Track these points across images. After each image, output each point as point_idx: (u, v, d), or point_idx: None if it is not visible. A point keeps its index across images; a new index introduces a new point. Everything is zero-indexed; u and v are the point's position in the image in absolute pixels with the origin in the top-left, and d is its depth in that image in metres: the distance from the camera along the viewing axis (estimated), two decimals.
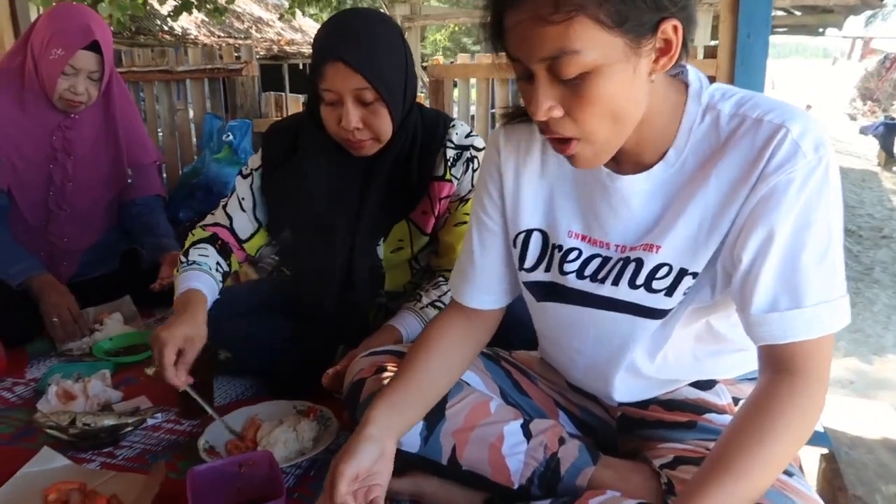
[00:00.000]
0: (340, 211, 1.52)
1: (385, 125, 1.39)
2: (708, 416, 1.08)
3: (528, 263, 1.08)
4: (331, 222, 1.52)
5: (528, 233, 1.08)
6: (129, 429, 1.43)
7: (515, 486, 1.09)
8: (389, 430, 1.02)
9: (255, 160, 1.61)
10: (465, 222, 1.55)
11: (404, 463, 1.17)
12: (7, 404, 1.63)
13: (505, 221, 1.11)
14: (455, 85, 2.70)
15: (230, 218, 1.59)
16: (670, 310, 0.99)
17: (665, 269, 0.97)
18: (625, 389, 1.11)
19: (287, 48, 11.00)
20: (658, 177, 0.96)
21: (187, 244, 1.55)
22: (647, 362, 1.06)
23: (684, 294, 0.97)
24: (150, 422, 1.51)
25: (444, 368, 1.11)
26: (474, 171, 1.53)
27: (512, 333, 1.53)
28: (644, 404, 1.14)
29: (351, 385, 1.21)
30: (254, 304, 1.73)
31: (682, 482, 0.99)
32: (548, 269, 1.07)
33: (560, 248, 1.05)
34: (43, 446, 1.36)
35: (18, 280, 1.92)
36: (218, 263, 1.52)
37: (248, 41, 10.05)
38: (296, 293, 1.67)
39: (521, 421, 1.14)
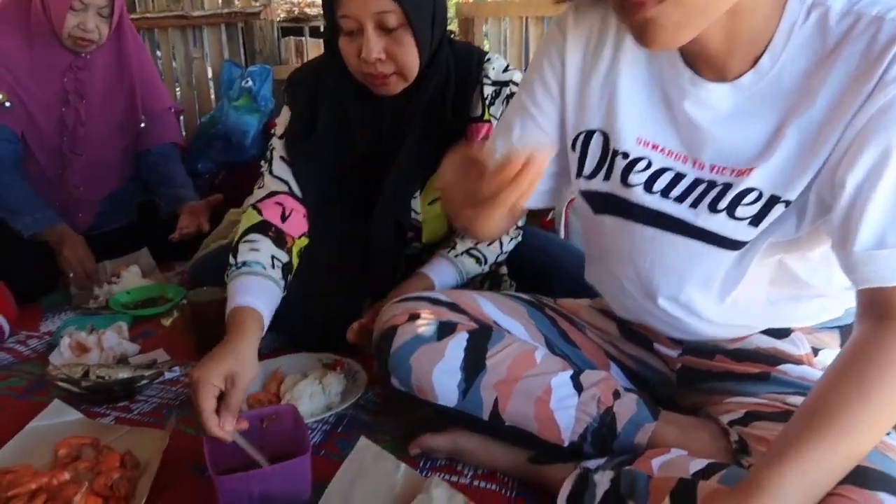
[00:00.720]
0: (370, 160, 1.40)
1: (411, 57, 1.25)
2: (783, 367, 0.96)
3: (588, 170, 0.95)
4: (357, 172, 1.40)
5: (589, 134, 0.95)
6: (145, 382, 1.35)
7: (566, 444, 0.98)
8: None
9: (283, 116, 1.47)
10: None
11: (441, 419, 1.07)
12: (20, 357, 1.56)
13: (561, 119, 0.98)
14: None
15: (285, 182, 1.37)
16: (747, 242, 0.86)
17: (754, 195, 0.83)
18: (684, 329, 0.99)
19: (308, 10, 10.75)
20: (749, 87, 0.82)
21: (237, 234, 1.28)
22: (714, 303, 0.93)
23: (770, 224, 0.84)
24: (167, 375, 1.43)
25: None
26: None
27: (553, 281, 1.42)
28: (709, 353, 1.01)
29: (382, 333, 1.10)
30: None
31: (758, 440, 0.87)
32: (607, 178, 0.94)
33: (626, 155, 0.92)
34: (55, 400, 1.27)
35: (32, 231, 1.86)
36: (273, 258, 1.25)
37: None
38: (320, 247, 1.56)
39: (570, 372, 1.02)
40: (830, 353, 0.97)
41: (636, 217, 0.92)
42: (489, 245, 1.45)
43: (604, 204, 0.96)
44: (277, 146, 1.41)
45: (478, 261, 1.44)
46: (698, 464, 0.86)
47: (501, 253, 1.47)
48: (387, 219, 1.40)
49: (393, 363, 1.06)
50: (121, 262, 2.00)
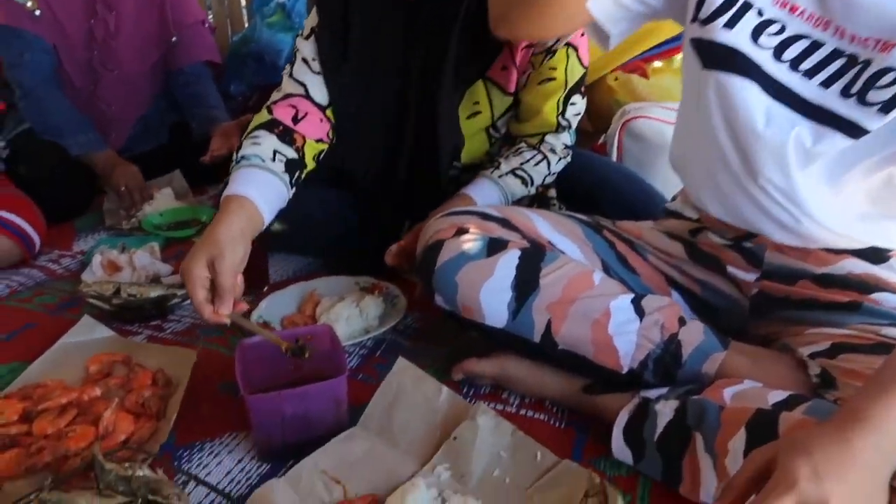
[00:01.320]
0: (403, 70, 1.29)
1: None
2: (877, 295, 0.86)
3: (706, 11, 0.82)
4: (393, 84, 1.30)
5: None
6: (177, 301, 1.30)
7: (624, 371, 0.90)
8: None
9: (312, 18, 1.36)
10: (552, 79, 1.30)
11: (487, 343, 0.99)
12: (53, 276, 1.53)
13: None
14: None
15: (303, 85, 1.27)
16: (870, 131, 0.75)
17: (891, 77, 0.71)
18: (777, 221, 0.88)
19: None
20: None
21: (243, 136, 1.21)
22: (818, 195, 0.83)
23: (870, 94, 0.73)
24: None
25: None
26: None
27: (604, 205, 1.32)
28: (791, 278, 0.91)
29: (426, 248, 1.01)
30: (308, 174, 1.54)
31: (848, 373, 0.77)
32: (730, 26, 0.81)
33: (760, 12, 0.80)
34: (85, 316, 1.24)
35: (82, 150, 1.85)
36: (276, 151, 1.15)
37: None
38: (356, 165, 1.47)
39: (631, 296, 0.93)
40: None
41: (755, 81, 0.81)
42: (536, 165, 1.34)
43: (718, 58, 0.83)
44: (302, 47, 1.29)
45: (524, 182, 1.33)
46: (778, 395, 0.77)
47: (549, 174, 1.37)
48: (449, 142, 1.31)
49: (438, 280, 0.98)
50: (153, 184, 1.95)
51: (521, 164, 1.34)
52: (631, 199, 1.37)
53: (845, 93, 0.75)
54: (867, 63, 0.74)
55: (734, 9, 0.81)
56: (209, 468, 0.90)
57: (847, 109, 0.75)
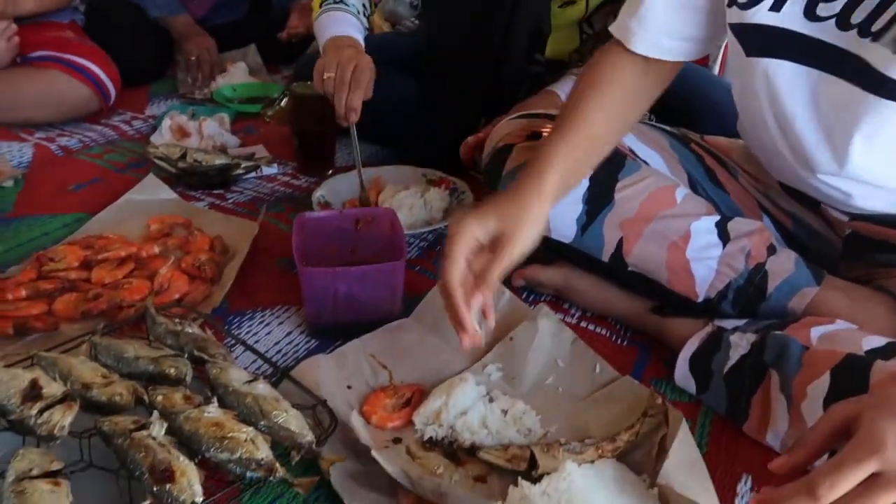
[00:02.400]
0: None
1: None
2: None
3: None
4: None
5: None
6: (241, 172, 1.29)
7: (699, 299, 0.83)
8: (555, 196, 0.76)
9: None
10: None
11: (552, 251, 0.93)
12: (124, 136, 1.53)
13: None
14: None
15: None
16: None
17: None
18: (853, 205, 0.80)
19: None
20: None
21: None
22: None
23: None
24: (265, 171, 1.35)
25: (615, 103, 0.81)
26: None
27: (699, 118, 1.21)
28: (889, 222, 0.81)
29: (495, 150, 0.95)
30: (386, 58, 1.46)
31: None
32: (776, 8, 0.71)
33: None
34: (149, 174, 1.23)
35: (160, 12, 1.83)
36: (364, 5, 1.24)
37: None
38: (437, 50, 1.39)
39: (716, 218, 0.85)
40: None
41: (816, 63, 0.71)
42: None
43: (765, 44, 0.73)
44: None
45: None
46: (875, 341, 0.70)
47: None
48: (528, 23, 1.21)
49: (503, 187, 0.92)
50: (228, 56, 1.91)
51: None
52: (728, 116, 1.25)
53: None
54: None
55: None
56: (258, 336, 0.89)
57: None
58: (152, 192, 1.20)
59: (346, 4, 1.21)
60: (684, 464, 0.62)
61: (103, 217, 1.13)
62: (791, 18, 0.71)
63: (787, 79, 0.74)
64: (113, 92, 1.56)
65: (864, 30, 0.67)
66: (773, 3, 0.71)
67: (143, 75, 1.84)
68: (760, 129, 0.83)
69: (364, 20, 1.24)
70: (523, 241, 0.71)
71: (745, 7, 0.73)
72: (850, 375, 0.66)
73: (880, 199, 0.79)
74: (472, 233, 0.69)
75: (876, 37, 0.66)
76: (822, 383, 0.67)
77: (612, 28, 0.84)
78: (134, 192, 1.19)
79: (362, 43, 1.18)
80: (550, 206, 0.76)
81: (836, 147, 0.74)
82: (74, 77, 1.48)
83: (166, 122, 1.42)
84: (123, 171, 1.34)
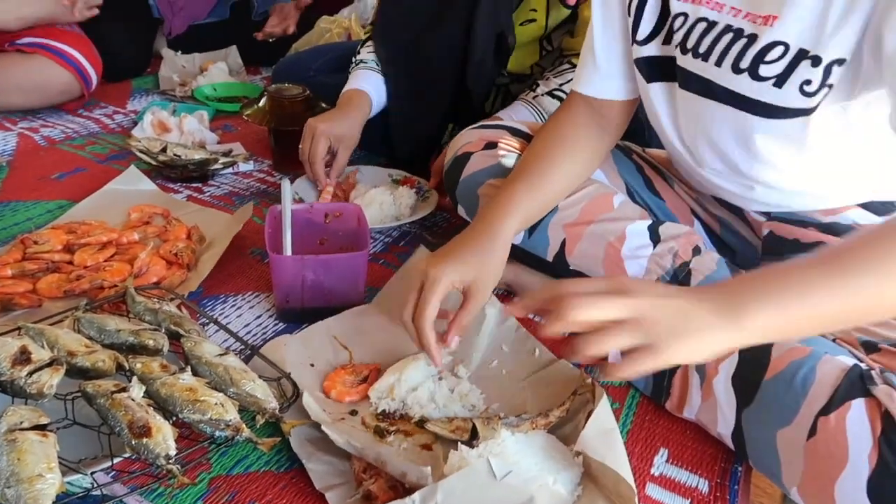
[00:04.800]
0: None
1: None
2: None
3: (642, 33, 0.85)
4: None
5: None
6: (219, 166, 1.35)
7: None
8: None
9: None
10: None
11: None
12: (106, 129, 1.59)
13: None
14: None
15: None
16: (798, 109, 0.74)
17: (779, 51, 0.71)
18: (758, 199, 0.90)
19: None
20: None
21: (359, 45, 1.41)
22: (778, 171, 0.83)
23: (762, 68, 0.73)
24: (241, 167, 1.43)
25: (576, 164, 0.93)
26: None
27: (645, 133, 1.31)
28: (801, 223, 0.91)
29: (454, 158, 1.03)
30: None
31: None
32: (667, 41, 0.83)
33: (684, 16, 0.80)
34: (131, 166, 1.30)
35: None
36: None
37: None
38: (408, 59, 1.47)
39: (648, 222, 0.94)
40: None
41: (682, 84, 0.82)
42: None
43: (652, 70, 0.86)
44: None
45: (561, 101, 1.33)
46: None
47: None
48: (489, 31, 1.29)
49: (461, 190, 1.01)
50: (209, 56, 1.98)
51: (560, 84, 1.33)
52: None
53: (736, 69, 0.74)
54: (753, 37, 0.73)
55: (666, 24, 0.82)
56: (230, 319, 0.96)
57: (742, 88, 0.75)
58: (133, 182, 1.27)
59: (366, 62, 1.34)
60: (601, 432, 0.70)
61: (86, 204, 1.19)
62: (671, 50, 0.83)
63: (662, 95, 0.87)
64: (94, 78, 1.62)
65: (695, 55, 0.79)
66: (663, 38, 0.84)
67: (126, 70, 1.90)
68: (671, 148, 0.94)
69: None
70: (490, 289, 0.83)
71: (641, 44, 0.86)
72: (754, 353, 0.74)
73: (772, 197, 0.88)
74: (450, 280, 0.78)
75: (706, 59, 0.78)
76: (731, 361, 0.76)
77: (572, 83, 0.96)
78: (116, 183, 1.25)
79: (371, 93, 1.30)
80: None
81: (718, 152, 0.85)
82: (58, 63, 1.54)
83: (148, 117, 1.49)
84: (105, 162, 1.41)
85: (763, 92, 0.74)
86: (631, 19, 0.86)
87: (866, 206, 0.87)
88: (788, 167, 0.82)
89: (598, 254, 0.93)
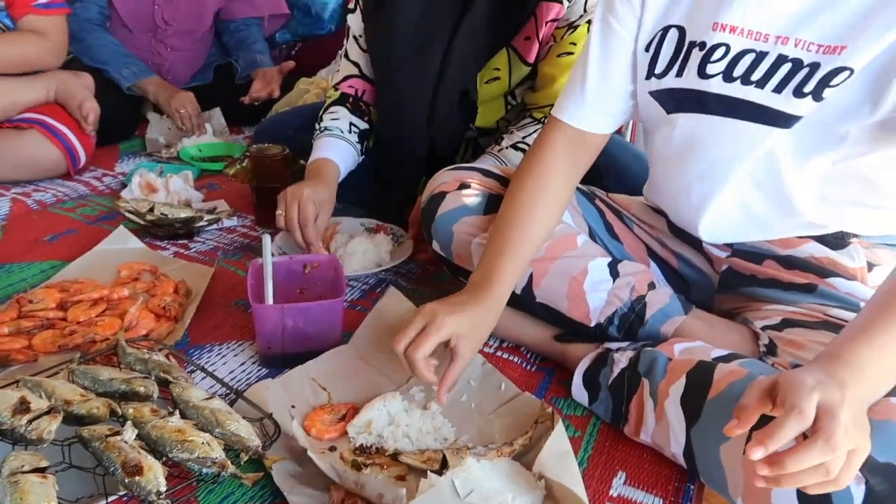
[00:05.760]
0: (434, 28, 1.36)
1: None
2: (833, 280, 0.93)
3: (660, 67, 0.92)
4: (422, 41, 1.38)
5: (665, 31, 0.91)
6: (204, 224, 1.42)
7: (592, 324, 0.99)
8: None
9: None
10: (571, 53, 1.37)
11: None
12: (95, 191, 1.67)
13: (638, 28, 0.94)
14: None
15: (356, 64, 1.45)
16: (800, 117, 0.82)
17: (844, 75, 0.79)
18: (735, 227, 0.97)
19: None
20: None
21: (322, 110, 1.45)
22: (768, 193, 0.91)
23: (825, 91, 0.80)
24: (225, 223, 1.50)
25: (552, 208, 1.00)
26: None
27: (610, 180, 1.40)
28: (759, 258, 0.99)
29: (429, 198, 1.11)
30: None
31: (788, 343, 0.86)
32: (680, 74, 0.91)
33: (702, 45, 0.87)
34: (120, 226, 1.37)
35: (130, 81, 1.98)
36: (351, 124, 1.41)
37: None
38: (381, 118, 1.56)
39: (608, 259, 1.02)
40: (884, 271, 0.93)
41: (714, 110, 0.89)
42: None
43: (678, 102, 0.92)
44: (351, 23, 1.42)
45: (525, 153, 1.42)
46: (720, 351, 0.86)
47: None
48: (454, 87, 1.38)
49: (436, 228, 1.09)
50: None
51: (524, 137, 1.42)
52: (636, 178, 1.44)
53: (798, 93, 0.82)
54: (816, 65, 0.80)
55: (682, 56, 0.90)
56: (215, 366, 1.02)
57: (802, 108, 0.82)
58: (122, 242, 1.33)
59: (331, 130, 1.39)
60: (557, 454, 0.77)
61: (77, 264, 1.25)
62: (688, 81, 0.90)
63: (707, 127, 0.91)
64: (83, 159, 1.70)
65: (745, 82, 0.86)
66: (677, 72, 0.91)
67: (115, 136, 1.99)
68: (673, 177, 1.00)
69: (350, 137, 1.40)
70: (476, 352, 0.93)
71: (659, 77, 0.93)
72: (700, 375, 0.81)
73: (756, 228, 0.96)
74: (452, 331, 0.86)
75: (759, 84, 0.85)
76: (680, 384, 0.82)
77: (554, 111, 1.02)
78: (105, 243, 1.32)
79: (338, 161, 1.34)
80: None
81: (740, 176, 0.90)
82: (50, 140, 1.62)
83: (136, 179, 1.56)
84: (95, 224, 1.47)
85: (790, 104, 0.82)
86: (649, 55, 0.93)
87: (820, 239, 0.95)
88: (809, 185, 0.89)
89: (562, 288, 1.01)
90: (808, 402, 0.58)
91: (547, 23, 1.35)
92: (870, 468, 0.65)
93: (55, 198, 1.60)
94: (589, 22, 1.34)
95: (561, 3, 1.33)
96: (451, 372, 0.88)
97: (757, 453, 0.58)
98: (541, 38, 1.38)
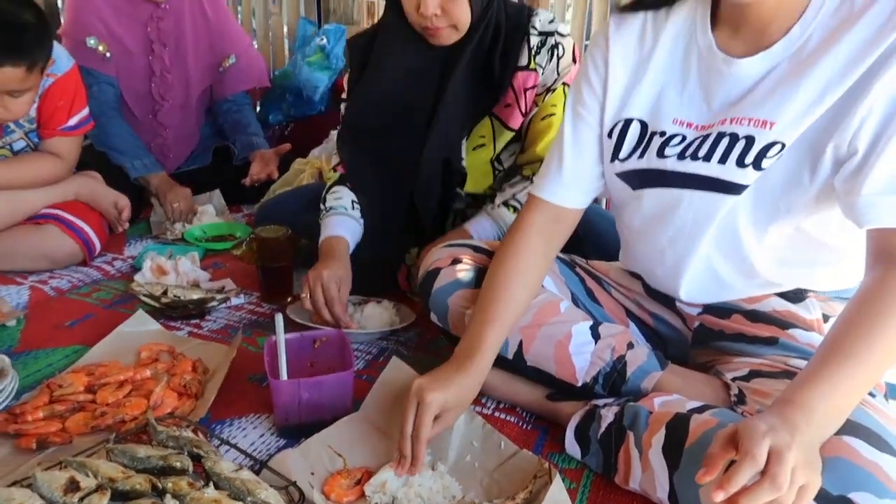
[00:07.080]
0: (418, 101, 1.49)
1: (463, 12, 1.36)
2: (793, 331, 1.04)
3: (624, 153, 1.05)
4: (407, 113, 1.50)
5: (628, 122, 1.04)
6: (215, 304, 1.52)
7: (579, 384, 1.09)
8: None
9: (347, 78, 1.60)
10: (553, 114, 1.50)
11: None
12: (108, 276, 1.76)
13: (602, 114, 1.08)
14: None
15: None
16: (747, 185, 0.94)
17: (777, 148, 0.91)
18: (705, 288, 1.08)
19: None
20: (777, 56, 0.91)
21: (324, 192, 1.56)
22: (731, 257, 1.03)
23: (764, 162, 0.92)
24: (234, 301, 1.60)
25: (529, 284, 1.11)
26: (559, 57, 1.47)
27: (588, 246, 1.51)
28: (726, 313, 1.10)
29: (426, 274, 1.22)
30: None
31: (754, 392, 0.96)
32: (642, 156, 1.04)
33: (662, 133, 1.01)
34: (139, 310, 1.46)
35: (139, 174, 2.09)
36: (353, 201, 1.53)
37: None
38: (370, 192, 1.66)
39: (590, 322, 1.13)
40: None
41: (673, 183, 1.01)
42: (526, 193, 1.52)
43: (641, 179, 1.05)
44: (344, 110, 1.56)
45: (515, 210, 1.53)
46: (694, 403, 0.96)
47: None
48: (436, 156, 1.49)
49: (433, 301, 1.19)
50: (197, 200, 2.18)
51: (514, 195, 1.54)
52: (612, 243, 1.55)
53: (740, 163, 0.94)
54: (751, 138, 0.93)
55: (644, 142, 1.03)
56: (236, 439, 1.10)
57: (724, 173, 0.95)
58: (140, 324, 1.42)
59: (335, 209, 1.50)
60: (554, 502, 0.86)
61: (100, 348, 1.34)
62: (649, 162, 1.02)
63: (667, 197, 1.03)
64: (98, 247, 1.81)
65: (695, 158, 0.98)
66: (639, 155, 1.04)
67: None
68: (645, 244, 1.12)
69: (354, 212, 1.51)
70: (461, 414, 1.05)
71: (622, 161, 1.06)
72: (677, 426, 0.91)
73: (724, 288, 1.08)
74: (439, 406, 0.97)
75: (706, 159, 0.97)
76: (661, 435, 0.92)
77: (532, 189, 1.14)
78: (125, 326, 1.40)
79: (347, 237, 1.45)
80: None
81: (703, 240, 1.02)
82: (67, 234, 1.72)
83: (147, 263, 1.66)
84: (111, 307, 1.57)
85: (740, 174, 0.94)
86: (613, 142, 1.06)
87: (782, 294, 1.07)
88: (762, 254, 1.01)
89: (549, 352, 1.11)
90: (759, 448, 0.68)
91: (526, 91, 1.49)
92: (826, 500, 0.75)
93: (70, 283, 1.69)
94: (564, 84, 1.48)
95: (536, 70, 1.47)
96: (434, 430, 0.98)
97: (719, 496, 0.68)
98: (523, 108, 1.50)
